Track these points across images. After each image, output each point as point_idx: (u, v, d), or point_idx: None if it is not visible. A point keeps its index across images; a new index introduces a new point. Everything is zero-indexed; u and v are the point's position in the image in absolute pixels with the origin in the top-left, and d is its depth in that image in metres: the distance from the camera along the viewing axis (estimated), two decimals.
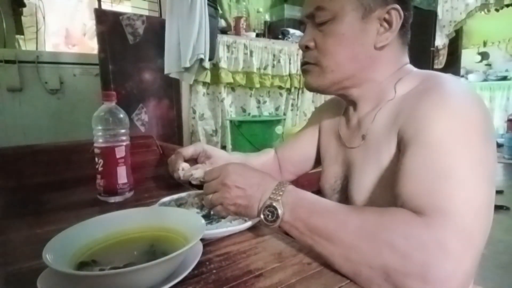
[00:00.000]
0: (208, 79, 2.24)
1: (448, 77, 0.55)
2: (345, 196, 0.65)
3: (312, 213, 0.46)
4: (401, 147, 0.52)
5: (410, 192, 0.44)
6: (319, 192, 0.71)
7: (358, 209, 0.47)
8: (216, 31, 2.20)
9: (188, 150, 0.77)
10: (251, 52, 2.41)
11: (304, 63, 0.65)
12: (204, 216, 0.56)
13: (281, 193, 0.49)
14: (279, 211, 0.48)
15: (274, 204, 0.48)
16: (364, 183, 0.59)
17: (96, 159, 0.74)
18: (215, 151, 0.80)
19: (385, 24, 0.58)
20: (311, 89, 0.66)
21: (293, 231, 0.48)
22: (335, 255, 0.43)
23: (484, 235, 0.42)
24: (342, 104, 0.73)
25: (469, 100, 0.50)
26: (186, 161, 0.75)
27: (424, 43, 3.49)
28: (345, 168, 0.67)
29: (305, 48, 0.63)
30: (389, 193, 0.53)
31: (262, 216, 0.49)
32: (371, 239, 0.41)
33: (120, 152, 0.75)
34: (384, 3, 0.57)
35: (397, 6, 0.57)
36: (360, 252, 0.41)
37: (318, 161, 0.84)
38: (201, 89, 2.30)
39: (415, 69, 0.63)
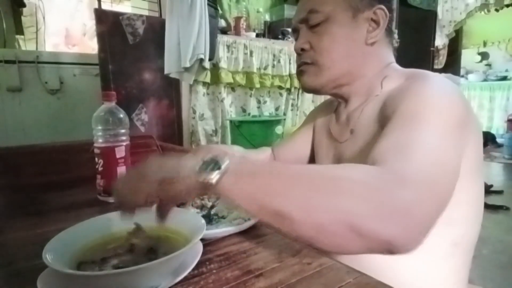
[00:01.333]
0: (208, 79, 2.24)
1: (433, 73, 0.57)
2: None
3: (262, 167, 0.42)
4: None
5: (376, 151, 0.45)
6: None
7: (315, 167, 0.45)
8: (216, 31, 2.20)
9: None
10: (251, 52, 2.41)
11: (300, 64, 0.68)
12: (204, 216, 0.56)
13: (223, 154, 0.41)
14: (224, 161, 0.39)
15: (216, 158, 0.40)
16: None
17: (96, 159, 0.74)
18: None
19: (373, 24, 0.63)
20: (308, 88, 0.68)
21: (238, 192, 0.39)
22: (294, 209, 0.37)
23: (447, 193, 0.41)
24: (334, 102, 0.77)
25: (450, 90, 0.52)
26: None
27: (424, 43, 3.49)
28: (336, 163, 0.68)
29: (301, 51, 0.67)
30: None
31: (197, 168, 0.39)
32: (330, 184, 0.37)
33: (120, 152, 0.75)
34: (370, 5, 0.62)
35: (382, 6, 0.62)
36: (320, 198, 0.37)
37: (312, 160, 0.85)
38: (201, 89, 2.30)
39: (400, 68, 0.66)
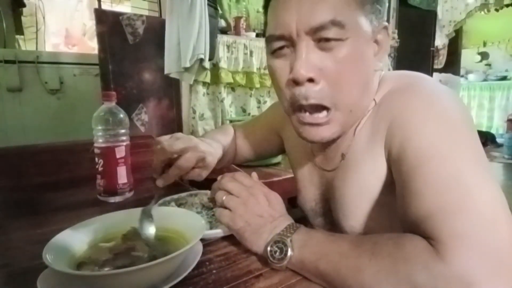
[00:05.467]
0: (208, 79, 2.24)
1: (419, 75, 0.52)
2: (329, 220, 0.60)
3: (322, 256, 0.42)
4: (392, 165, 0.47)
5: (416, 214, 0.39)
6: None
7: (369, 249, 0.40)
8: (216, 31, 2.19)
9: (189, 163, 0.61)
10: (251, 52, 2.41)
11: (311, 107, 0.48)
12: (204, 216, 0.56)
13: (292, 231, 0.46)
14: (288, 249, 0.44)
15: (284, 240, 0.45)
16: (348, 207, 0.54)
17: (96, 159, 0.74)
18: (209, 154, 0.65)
19: (376, 46, 0.51)
20: (321, 141, 0.52)
21: (304, 274, 0.44)
22: None
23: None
24: None
25: (447, 97, 0.46)
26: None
27: (424, 43, 3.48)
28: (324, 191, 0.61)
29: (307, 82, 0.46)
30: (378, 214, 0.51)
31: (268, 250, 0.45)
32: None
33: (120, 152, 0.75)
34: (380, 21, 0.50)
35: (387, 24, 0.51)
36: None
37: (278, 153, 0.83)
38: (201, 89, 2.30)
39: (382, 72, 0.57)
